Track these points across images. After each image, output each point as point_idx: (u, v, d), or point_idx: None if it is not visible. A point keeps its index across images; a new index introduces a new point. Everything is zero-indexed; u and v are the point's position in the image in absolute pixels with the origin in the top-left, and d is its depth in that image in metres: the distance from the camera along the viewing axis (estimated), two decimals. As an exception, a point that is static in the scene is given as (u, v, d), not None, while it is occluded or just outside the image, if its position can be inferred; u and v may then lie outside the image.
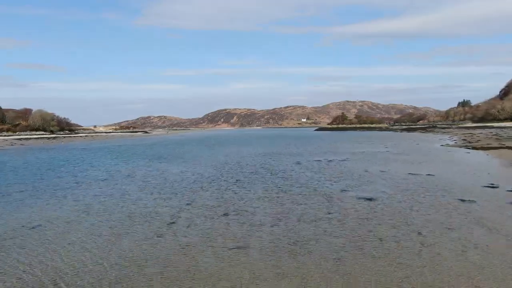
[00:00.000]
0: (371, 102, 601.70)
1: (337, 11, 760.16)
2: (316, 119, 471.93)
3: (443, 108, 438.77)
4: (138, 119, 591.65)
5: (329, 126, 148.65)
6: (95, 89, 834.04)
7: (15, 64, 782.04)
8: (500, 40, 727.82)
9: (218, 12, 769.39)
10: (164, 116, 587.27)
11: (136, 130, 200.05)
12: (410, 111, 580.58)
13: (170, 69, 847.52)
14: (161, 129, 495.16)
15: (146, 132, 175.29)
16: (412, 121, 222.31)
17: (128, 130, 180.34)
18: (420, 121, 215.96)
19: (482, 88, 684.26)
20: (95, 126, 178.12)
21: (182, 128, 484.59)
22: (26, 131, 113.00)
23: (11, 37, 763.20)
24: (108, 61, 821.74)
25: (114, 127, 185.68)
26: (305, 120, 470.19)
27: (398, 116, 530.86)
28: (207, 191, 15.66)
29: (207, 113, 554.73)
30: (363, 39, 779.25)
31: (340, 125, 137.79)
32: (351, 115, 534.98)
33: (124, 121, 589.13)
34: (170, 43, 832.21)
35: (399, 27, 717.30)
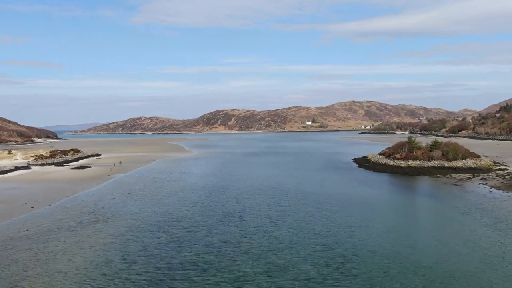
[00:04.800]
0: (378, 102, 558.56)
1: (336, 8, 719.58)
2: (322, 122, 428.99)
3: (451, 108, 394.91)
4: (128, 120, 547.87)
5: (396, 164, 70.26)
6: (92, 86, 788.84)
7: (11, 61, 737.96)
8: (500, 39, 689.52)
9: (216, 9, 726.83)
10: (156, 117, 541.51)
11: (79, 156, 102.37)
12: (421, 112, 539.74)
13: (168, 66, 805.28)
14: (150, 132, 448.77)
15: (93, 157, 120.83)
16: (453, 131, 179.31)
17: (59, 160, 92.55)
18: (463, 131, 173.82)
19: (481, 87, 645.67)
20: (9, 152, 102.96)
21: (174, 131, 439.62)
22: None
23: (7, 34, 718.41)
24: (105, 59, 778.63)
25: (40, 154, 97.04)
26: (310, 123, 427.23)
27: (408, 117, 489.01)
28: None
29: (203, 114, 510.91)
30: (362, 37, 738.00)
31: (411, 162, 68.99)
32: (358, 117, 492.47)
33: (114, 122, 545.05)
34: (168, 41, 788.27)
35: (399, 25, 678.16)
